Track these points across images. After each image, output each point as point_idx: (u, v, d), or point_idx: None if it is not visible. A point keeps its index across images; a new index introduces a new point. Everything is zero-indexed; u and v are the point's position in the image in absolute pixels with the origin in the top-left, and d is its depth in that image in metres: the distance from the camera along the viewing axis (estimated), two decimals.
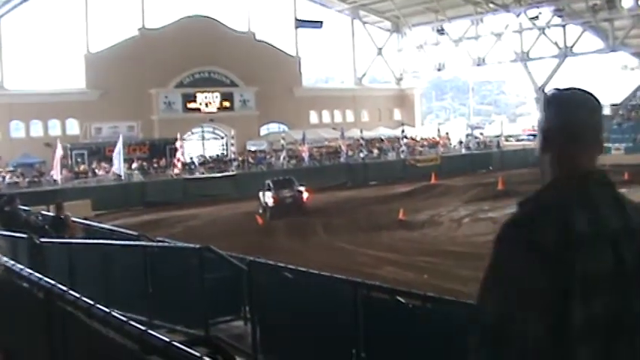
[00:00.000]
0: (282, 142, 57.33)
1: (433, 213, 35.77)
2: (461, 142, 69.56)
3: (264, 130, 65.98)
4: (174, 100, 60.31)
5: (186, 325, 10.55)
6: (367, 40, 74.94)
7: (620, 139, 62.01)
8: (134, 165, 51.95)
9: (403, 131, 63.09)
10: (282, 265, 9.57)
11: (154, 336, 3.68)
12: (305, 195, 39.24)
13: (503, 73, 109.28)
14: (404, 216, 34.09)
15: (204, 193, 48.36)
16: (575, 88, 2.76)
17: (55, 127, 56.79)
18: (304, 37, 70.09)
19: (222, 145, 64.43)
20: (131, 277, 12.06)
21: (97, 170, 51.37)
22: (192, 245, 12.00)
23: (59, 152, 46.10)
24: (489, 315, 2.38)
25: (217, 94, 61.96)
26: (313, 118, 69.90)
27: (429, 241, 28.44)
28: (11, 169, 50.97)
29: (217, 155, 60.74)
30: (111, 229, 18.47)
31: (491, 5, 65.41)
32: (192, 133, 62.78)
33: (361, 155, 59.48)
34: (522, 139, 73.59)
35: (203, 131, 63.77)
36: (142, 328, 3.80)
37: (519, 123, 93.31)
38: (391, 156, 61.99)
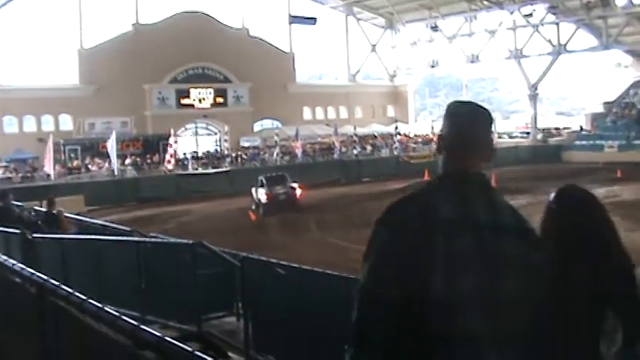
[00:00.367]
0: (275, 138, 57.36)
1: None
2: None
3: (257, 127, 66.03)
4: (168, 96, 60.30)
5: (178, 321, 10.55)
6: (361, 36, 75.06)
7: (614, 136, 62.24)
8: (127, 161, 51.93)
9: (397, 128, 63.18)
10: (274, 261, 9.58)
11: (147, 331, 3.68)
12: (298, 191, 39.23)
13: (497, 70, 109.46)
14: None
15: (197, 189, 48.34)
16: (471, 103, 3.28)
17: (48, 123, 56.66)
18: (298, 33, 70.25)
19: (216, 141, 64.42)
20: (124, 272, 12.04)
21: (90, 166, 51.31)
22: (185, 241, 11.98)
23: (49, 146, 45.92)
24: (363, 282, 2.94)
25: (211, 90, 61.96)
26: (307, 114, 69.94)
27: None
28: (4, 164, 50.97)
29: (208, 152, 60.56)
30: (104, 225, 18.45)
31: (485, 2, 65.58)
32: (186, 129, 62.72)
33: (354, 152, 59.49)
34: (515, 137, 73.79)
35: (196, 127, 63.72)
36: (135, 323, 3.80)
37: (513, 120, 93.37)
38: (384, 153, 62.07)
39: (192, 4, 62.68)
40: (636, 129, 61.37)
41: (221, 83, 62.57)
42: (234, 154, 57.91)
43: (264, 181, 39.20)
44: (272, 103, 64.19)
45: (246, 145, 62.05)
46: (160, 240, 14.50)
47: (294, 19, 68.73)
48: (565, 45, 64.96)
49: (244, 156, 57.94)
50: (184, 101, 60.92)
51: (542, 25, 65.14)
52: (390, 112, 74.98)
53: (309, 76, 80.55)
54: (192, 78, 61.31)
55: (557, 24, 65.00)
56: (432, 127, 69.73)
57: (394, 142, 62.52)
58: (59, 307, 4.49)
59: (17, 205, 18.80)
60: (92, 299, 4.18)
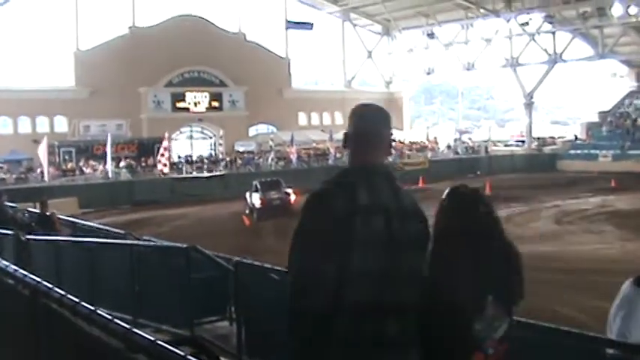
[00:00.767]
0: (270, 143, 57.37)
1: None
2: (449, 147, 69.70)
3: (252, 131, 66.00)
4: (164, 99, 60.21)
5: (171, 325, 10.53)
6: (357, 42, 75.11)
7: (608, 146, 62.38)
8: (122, 164, 51.86)
9: (391, 134, 63.12)
10: (268, 266, 9.55)
11: (139, 335, 3.67)
12: (292, 197, 39.13)
13: (493, 78, 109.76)
14: None
15: (192, 193, 48.30)
16: (373, 105, 3.89)
17: (43, 124, 56.53)
18: (294, 38, 70.21)
19: (211, 145, 64.39)
20: (117, 275, 12.03)
21: (84, 168, 51.25)
22: (178, 245, 11.97)
23: (43, 148, 45.74)
24: (295, 262, 3.44)
25: (206, 94, 61.88)
26: (302, 119, 69.98)
27: None
28: None
29: (201, 156, 60.45)
30: (98, 227, 18.44)
31: (481, 10, 65.62)
32: (181, 133, 62.72)
33: None
34: (510, 145, 73.88)
35: (192, 131, 63.70)
36: (127, 326, 3.80)
37: (508, 128, 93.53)
38: None
39: (189, 7, 62.71)
40: (630, 139, 61.50)
41: (217, 87, 62.50)
42: (228, 159, 57.84)
43: (258, 186, 39.17)
44: (267, 108, 64.18)
45: (241, 149, 61.97)
46: (153, 243, 14.48)
47: (291, 24, 68.77)
48: (561, 54, 65.09)
49: (239, 160, 57.86)
50: (180, 105, 60.79)
51: (538, 33, 65.26)
52: None
53: (305, 82, 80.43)
54: (187, 81, 61.24)
55: (554, 33, 65.12)
56: (427, 135, 69.82)
57: None
58: (52, 310, 4.48)
59: (11, 207, 18.79)
60: (85, 302, 4.18)
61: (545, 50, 65.43)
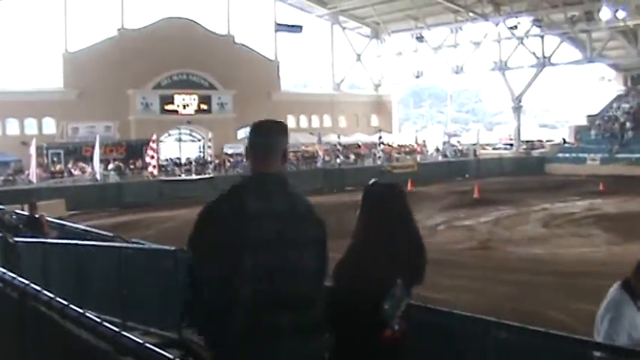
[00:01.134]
0: None
1: None
2: (438, 150, 69.78)
3: (241, 134, 65.80)
4: (152, 102, 60.03)
5: (159, 327, 10.51)
6: (346, 45, 75.10)
7: (596, 149, 62.60)
8: (110, 166, 51.70)
9: (380, 137, 63.29)
10: None
11: (128, 337, 3.68)
12: None
13: (482, 81, 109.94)
14: None
15: (180, 195, 48.11)
16: (270, 120, 4.26)
17: (31, 126, 56.30)
18: (284, 41, 70.11)
19: (200, 148, 64.28)
20: (105, 278, 12.02)
21: (73, 170, 51.08)
22: (167, 247, 11.95)
23: (32, 150, 45.59)
24: (193, 266, 3.87)
25: (195, 97, 61.74)
26: (291, 122, 69.77)
27: None
28: None
29: (188, 159, 60.27)
30: (86, 230, 18.38)
31: (470, 14, 65.69)
32: (169, 135, 62.54)
33: (338, 161, 59.50)
34: (499, 148, 74.01)
35: (180, 133, 63.54)
36: (116, 329, 3.80)
37: (496, 132, 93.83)
38: (368, 162, 62.03)
39: (178, 10, 62.57)
40: (619, 142, 61.74)
41: (205, 90, 62.37)
42: (217, 161, 57.76)
43: None
44: (256, 111, 63.68)
45: (229, 152, 61.81)
46: (141, 246, 14.45)
47: (280, 27, 68.69)
48: (549, 58, 65.26)
49: (228, 163, 57.78)
50: (168, 107, 60.63)
51: (526, 37, 65.40)
52: (374, 121, 74.90)
53: (294, 85, 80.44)
54: (176, 84, 61.09)
55: (542, 37, 65.31)
56: (416, 138, 69.86)
57: (378, 152, 62.60)
58: (40, 312, 4.48)
59: None
60: (73, 305, 4.18)
61: (534, 54, 65.61)
